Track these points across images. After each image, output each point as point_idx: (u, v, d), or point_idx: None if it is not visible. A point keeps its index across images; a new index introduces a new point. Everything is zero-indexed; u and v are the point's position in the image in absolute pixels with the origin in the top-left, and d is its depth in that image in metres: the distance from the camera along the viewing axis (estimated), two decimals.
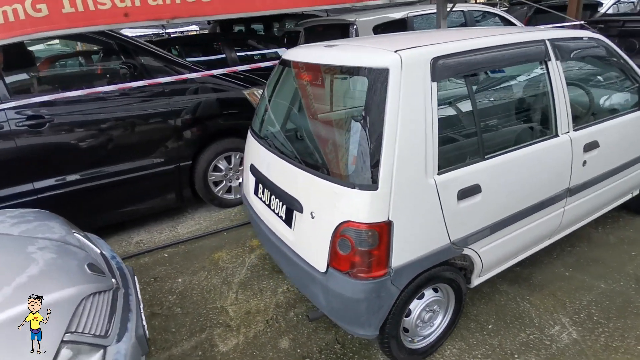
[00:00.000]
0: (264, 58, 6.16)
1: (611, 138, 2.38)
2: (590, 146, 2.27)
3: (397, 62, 1.64)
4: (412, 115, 1.65)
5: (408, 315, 1.93)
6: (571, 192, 2.27)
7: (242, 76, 3.76)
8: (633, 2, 5.96)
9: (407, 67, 1.65)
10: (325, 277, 1.77)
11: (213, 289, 2.78)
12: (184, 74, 3.39)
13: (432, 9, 4.67)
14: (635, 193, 2.91)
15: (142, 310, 1.84)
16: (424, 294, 1.95)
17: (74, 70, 4.28)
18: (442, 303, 2.06)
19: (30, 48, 3.44)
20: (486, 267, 2.08)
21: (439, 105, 1.72)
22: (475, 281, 2.13)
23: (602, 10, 5.18)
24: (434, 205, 1.74)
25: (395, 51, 1.68)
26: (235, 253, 3.18)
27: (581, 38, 2.32)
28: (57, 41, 6.30)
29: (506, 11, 6.84)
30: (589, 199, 2.43)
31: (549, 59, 2.09)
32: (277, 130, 2.33)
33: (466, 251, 1.92)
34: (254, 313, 2.52)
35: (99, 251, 2.02)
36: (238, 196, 3.94)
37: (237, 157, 3.81)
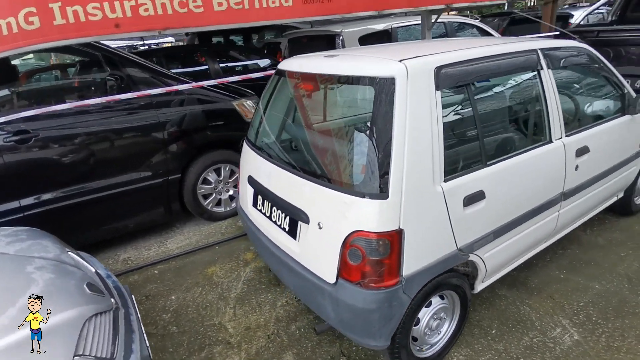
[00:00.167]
0: (245, 69, 6.16)
1: (599, 143, 2.47)
2: (582, 151, 2.34)
3: (403, 72, 1.65)
4: (418, 123, 1.66)
5: (417, 324, 1.92)
6: (565, 195, 2.33)
7: (222, 86, 3.71)
8: (602, 13, 6.30)
9: (412, 76, 1.66)
10: (334, 289, 1.75)
11: (209, 305, 2.70)
12: (172, 85, 3.33)
13: (414, 20, 4.78)
14: (620, 195, 3.02)
15: (144, 331, 1.76)
16: (431, 301, 1.95)
17: (60, 83, 4.15)
18: (449, 310, 2.06)
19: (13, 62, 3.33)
20: (489, 272, 2.10)
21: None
22: (479, 287, 2.14)
23: (573, 21, 5.43)
24: (441, 212, 1.75)
25: (400, 60, 1.70)
26: (230, 267, 3.11)
27: (569, 47, 2.41)
28: (31, 55, 6.09)
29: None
30: (580, 202, 2.50)
31: (541, 68, 2.16)
32: (279, 141, 2.31)
33: (472, 257, 1.93)
34: (254, 328, 2.45)
35: (94, 270, 1.94)
36: (228, 209, 3.87)
37: (227, 169, 3.75)
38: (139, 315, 1.85)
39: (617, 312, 2.31)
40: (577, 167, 2.34)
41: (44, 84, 4.20)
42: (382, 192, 1.60)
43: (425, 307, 1.93)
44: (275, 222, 2.13)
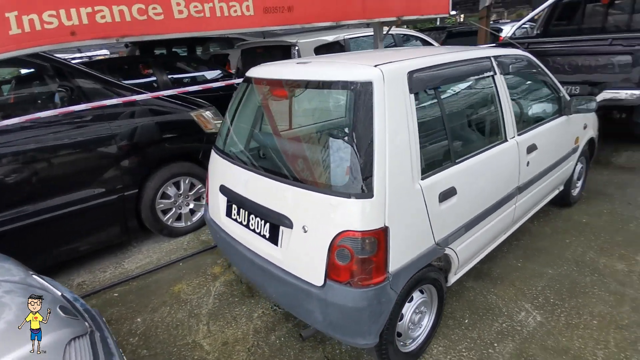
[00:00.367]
0: (194, 80, 6.01)
1: (544, 141, 2.73)
2: (531, 148, 2.57)
3: (380, 76, 1.73)
4: (396, 125, 1.74)
5: (401, 319, 1.98)
6: (520, 189, 2.54)
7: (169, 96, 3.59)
8: (526, 29, 7.03)
9: (388, 81, 1.74)
10: (322, 291, 1.75)
11: (180, 324, 2.57)
12: (125, 96, 3.18)
13: (366, 32, 4.98)
14: (561, 188, 3.34)
15: (123, 354, 1.65)
16: (413, 296, 2.02)
17: (2, 98, 3.75)
18: (428, 304, 2.14)
19: None
20: (461, 264, 2.22)
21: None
22: (452, 279, 2.26)
23: (503, 34, 5.96)
24: (420, 208, 1.83)
25: (375, 65, 1.77)
26: (197, 283, 2.99)
27: (514, 55, 2.65)
28: None
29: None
30: (532, 195, 2.73)
31: (495, 73, 2.36)
32: (255, 148, 2.28)
33: (447, 250, 2.03)
34: (232, 343, 2.37)
35: (59, 293, 1.78)
36: (189, 223, 3.72)
37: (187, 182, 3.62)
38: (115, 338, 1.73)
39: (570, 293, 2.54)
40: (528, 163, 2.56)
41: None
42: (367, 192, 1.65)
43: (408, 302, 1.99)
44: (253, 230, 2.10)
